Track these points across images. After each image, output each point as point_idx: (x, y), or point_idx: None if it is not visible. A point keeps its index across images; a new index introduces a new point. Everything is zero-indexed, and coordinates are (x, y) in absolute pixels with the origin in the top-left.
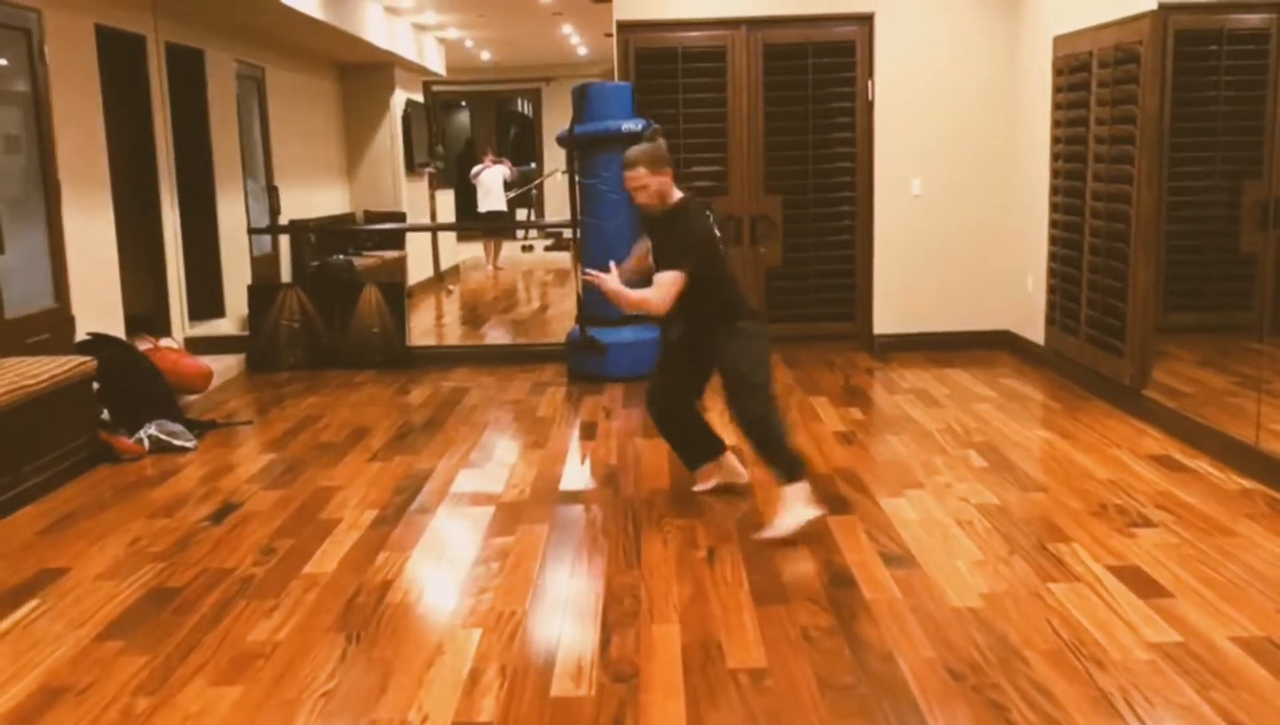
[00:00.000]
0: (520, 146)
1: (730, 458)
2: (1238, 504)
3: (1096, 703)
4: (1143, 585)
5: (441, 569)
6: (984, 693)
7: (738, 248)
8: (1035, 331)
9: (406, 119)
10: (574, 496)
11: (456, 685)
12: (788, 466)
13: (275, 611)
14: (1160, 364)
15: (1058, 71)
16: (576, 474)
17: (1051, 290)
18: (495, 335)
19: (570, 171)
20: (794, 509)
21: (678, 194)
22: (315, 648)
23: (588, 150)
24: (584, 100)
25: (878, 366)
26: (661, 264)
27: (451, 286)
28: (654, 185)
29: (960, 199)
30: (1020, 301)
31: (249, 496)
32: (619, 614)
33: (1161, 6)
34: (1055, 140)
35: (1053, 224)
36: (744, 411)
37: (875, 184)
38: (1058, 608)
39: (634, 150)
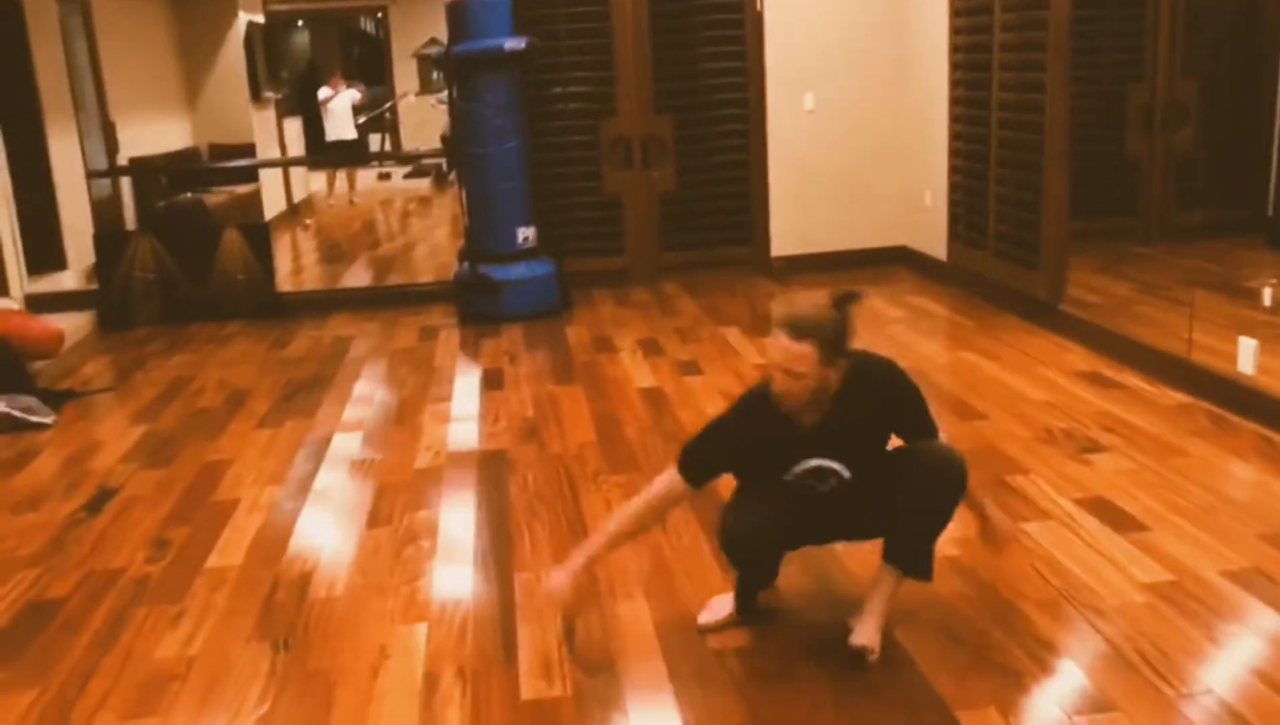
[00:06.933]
0: (366, 68)
1: None
2: (1180, 421)
3: (1108, 658)
4: (1116, 519)
5: (365, 552)
6: (991, 656)
7: (629, 171)
8: (935, 246)
9: (249, 42)
10: (495, 457)
11: (412, 695)
12: None
13: (182, 619)
14: None
15: None
16: (492, 430)
17: (954, 204)
18: (366, 275)
19: (451, 96)
20: None
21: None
22: (237, 661)
23: (467, 72)
24: (461, 17)
25: (780, 290)
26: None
27: (308, 221)
28: (815, 380)
29: (854, 113)
30: (918, 216)
31: (126, 479)
32: (577, 594)
33: None
34: (955, 49)
35: (955, 136)
36: None
37: (767, 101)
38: (1037, 550)
39: (806, 311)
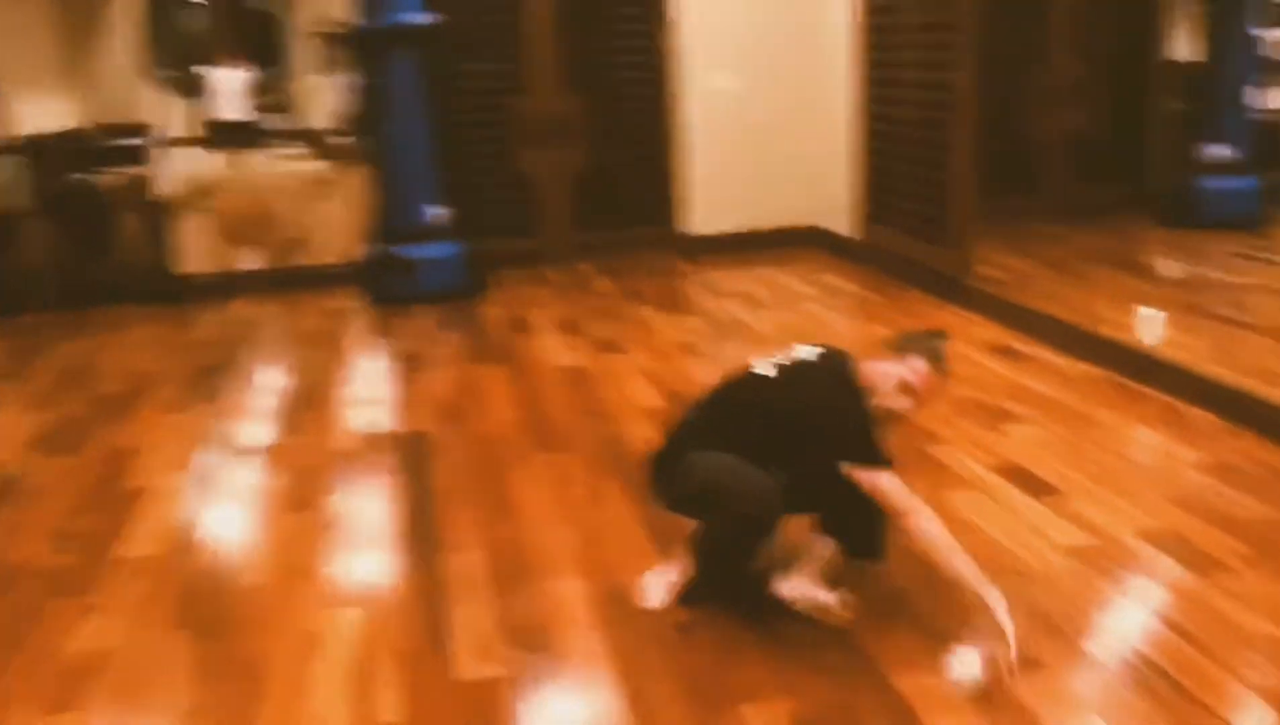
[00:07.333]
0: (262, 47)
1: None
2: (1088, 391)
3: (1033, 618)
4: (1033, 485)
5: (286, 537)
6: (922, 622)
7: (541, 150)
8: (847, 225)
9: (140, 18)
10: (416, 439)
11: (345, 680)
12: None
13: (95, 611)
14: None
15: None
16: (412, 411)
17: (865, 183)
18: (267, 257)
19: (362, 74)
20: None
21: None
22: (159, 652)
23: (376, 48)
24: None
25: (693, 269)
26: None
27: (206, 203)
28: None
29: (765, 94)
30: (828, 195)
31: (28, 468)
32: (510, 573)
33: None
34: (866, 30)
35: (866, 116)
36: None
37: (679, 80)
38: (959, 516)
39: (940, 348)
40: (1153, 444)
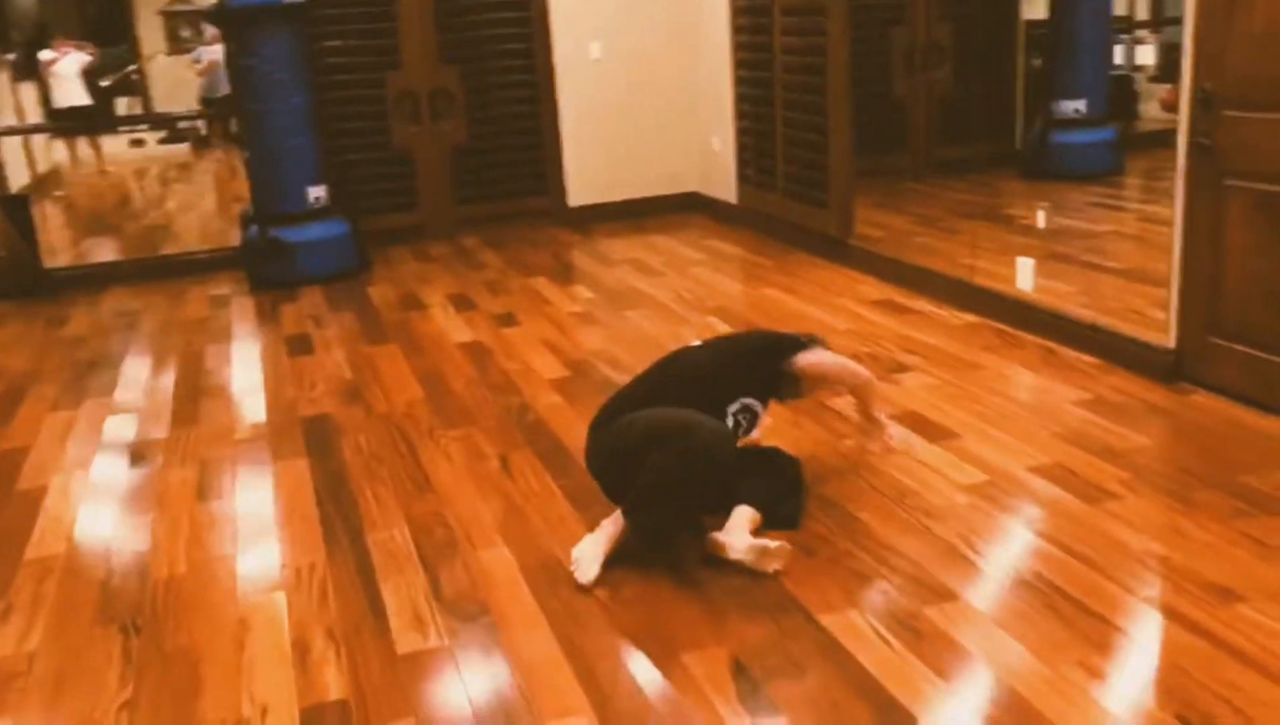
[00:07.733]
0: (105, 28)
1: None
2: (971, 338)
3: (944, 553)
4: (930, 430)
5: (202, 527)
6: (841, 563)
7: (418, 125)
8: (726, 190)
9: None
10: (320, 422)
11: (284, 663)
12: None
13: (10, 614)
14: None
15: None
16: (310, 396)
17: (743, 148)
18: (132, 247)
19: (229, 52)
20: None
21: None
22: (85, 650)
23: (244, 26)
24: None
25: (580, 239)
26: None
27: (58, 193)
28: None
29: (640, 61)
30: (707, 162)
31: None
32: (435, 547)
33: None
34: None
35: (740, 81)
36: None
37: (554, 50)
38: (866, 464)
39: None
40: (1035, 385)
